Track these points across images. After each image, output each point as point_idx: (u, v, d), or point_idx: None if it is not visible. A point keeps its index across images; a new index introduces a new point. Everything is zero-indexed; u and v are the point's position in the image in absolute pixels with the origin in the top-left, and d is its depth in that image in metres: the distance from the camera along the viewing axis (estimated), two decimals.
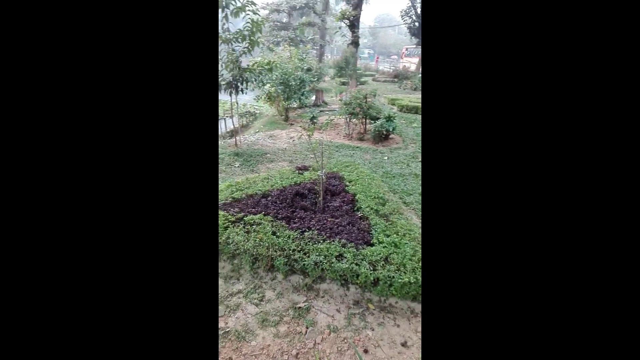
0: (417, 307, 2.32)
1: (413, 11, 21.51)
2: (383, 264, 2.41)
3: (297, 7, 18.52)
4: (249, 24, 4.83)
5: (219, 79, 5.03)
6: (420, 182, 4.70)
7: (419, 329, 2.18)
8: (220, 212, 2.94)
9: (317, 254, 2.48)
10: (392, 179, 4.77)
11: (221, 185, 3.62)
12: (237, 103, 5.66)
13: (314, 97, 10.86)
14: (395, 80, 19.08)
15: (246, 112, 9.95)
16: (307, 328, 2.13)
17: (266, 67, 5.37)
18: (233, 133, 6.38)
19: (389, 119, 6.70)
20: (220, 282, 2.48)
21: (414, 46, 25.02)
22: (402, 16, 22.25)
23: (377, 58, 31.81)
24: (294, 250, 2.52)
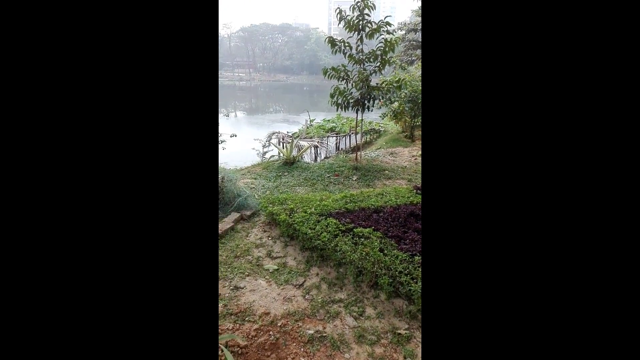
0: None
1: None
2: None
3: None
4: (382, 44, 4.97)
5: (348, 97, 5.34)
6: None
7: None
8: (333, 220, 3.06)
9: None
10: None
11: (337, 195, 3.79)
12: (362, 120, 5.86)
13: None
14: None
15: (371, 129, 10.18)
16: (405, 358, 1.95)
17: (395, 84, 5.38)
18: (354, 149, 6.64)
19: None
20: (324, 286, 2.57)
21: None
22: None
23: None
24: (400, 272, 2.38)
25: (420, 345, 2.03)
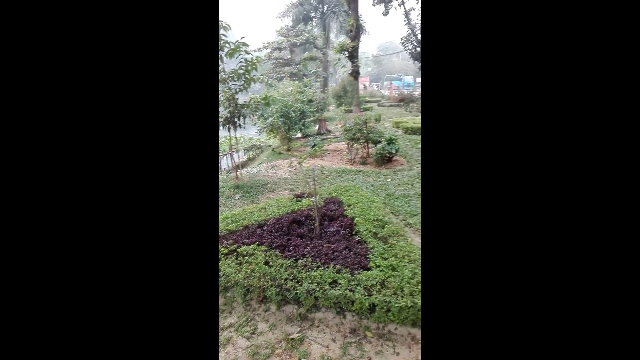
0: (418, 333, 2.17)
1: (413, 37, 22.19)
2: (379, 289, 2.30)
3: (298, 43, 19.49)
4: (242, 63, 5.09)
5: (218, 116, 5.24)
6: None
7: (420, 356, 2.03)
8: None
9: (310, 281, 2.40)
10: (395, 201, 4.68)
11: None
12: (235, 138, 5.83)
13: (317, 127, 11.09)
14: (401, 104, 19.34)
15: (252, 145, 10.21)
16: (299, 359, 2.01)
17: (262, 101, 5.57)
18: (235, 167, 6.57)
19: (390, 141, 6.71)
20: None
21: (397, 74, 25.68)
22: (402, 43, 22.97)
23: (391, 84, 32.67)
24: (286, 279, 2.46)
25: (313, 343, 2.14)
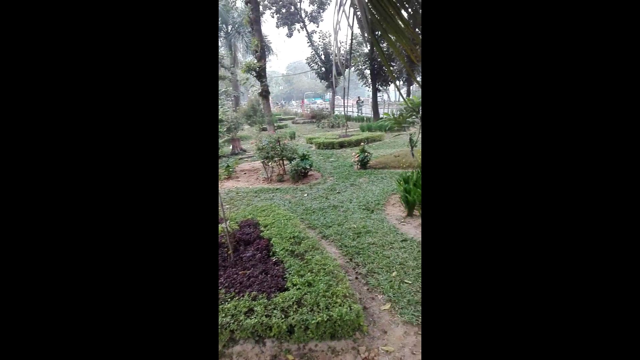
0: (337, 345, 2.21)
1: (317, 58, 23.54)
2: (296, 308, 2.29)
3: None
4: None
5: None
6: (343, 213, 4.80)
7: None
8: None
9: (223, 315, 2.25)
10: (311, 215, 4.78)
11: None
12: None
13: (231, 147, 10.77)
14: (314, 120, 20.20)
15: None
16: None
17: None
18: None
19: (304, 157, 6.90)
20: None
21: (312, 92, 27.27)
22: (308, 63, 24.17)
23: (303, 102, 33.69)
24: None
25: None
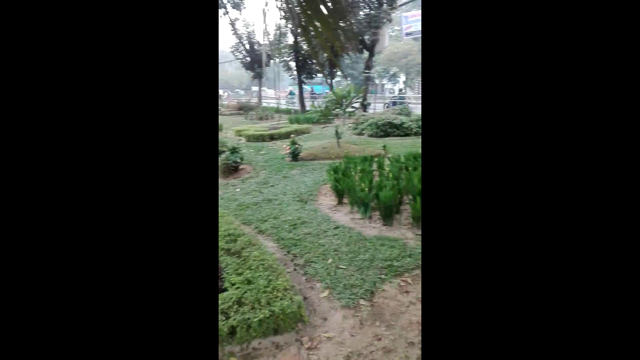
0: (281, 339, 2.23)
1: (242, 47, 22.61)
2: (236, 309, 2.22)
3: None
4: None
5: None
6: (277, 206, 4.77)
7: None
8: None
9: None
10: (245, 210, 4.66)
11: None
12: None
13: None
14: (241, 112, 19.47)
15: None
16: None
17: None
18: None
19: (234, 150, 6.64)
20: None
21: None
22: (232, 52, 23.07)
23: (229, 93, 31.98)
24: None
25: None
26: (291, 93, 25.47)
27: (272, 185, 5.79)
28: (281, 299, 2.30)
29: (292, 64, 20.20)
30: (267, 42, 20.45)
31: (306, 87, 22.72)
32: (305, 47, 17.32)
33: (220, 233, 3.32)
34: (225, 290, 2.45)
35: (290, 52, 19.43)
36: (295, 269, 3.16)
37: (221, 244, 3.11)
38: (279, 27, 20.07)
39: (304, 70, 19.22)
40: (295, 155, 7.48)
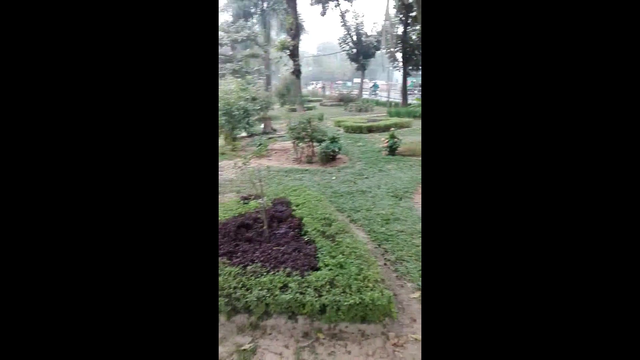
0: (367, 328, 2.26)
1: (349, 39, 22.89)
2: (328, 289, 2.34)
3: (239, 40, 18.87)
4: None
5: None
6: (371, 198, 4.79)
7: (370, 351, 2.12)
8: None
9: (260, 287, 2.35)
10: (339, 198, 4.81)
11: None
12: None
13: (262, 126, 10.88)
14: (341, 103, 19.90)
15: None
16: None
17: None
18: None
19: (333, 140, 6.87)
20: None
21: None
22: (339, 44, 23.57)
23: (332, 84, 33.22)
24: (234, 288, 2.37)
25: (266, 352, 2.10)
26: (375, 86, 24.70)
27: (366, 177, 5.81)
28: (371, 290, 2.32)
29: (399, 55, 19.52)
30: (375, 33, 20.20)
31: (411, 79, 21.69)
32: (414, 37, 16.49)
33: (317, 215, 3.52)
34: (319, 269, 2.61)
35: (398, 43, 18.79)
36: (385, 264, 3.14)
37: (317, 226, 3.29)
38: (389, 17, 19.57)
39: (411, 61, 18.37)
40: (392, 149, 7.31)
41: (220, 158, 8.08)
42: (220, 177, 6.17)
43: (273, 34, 25.03)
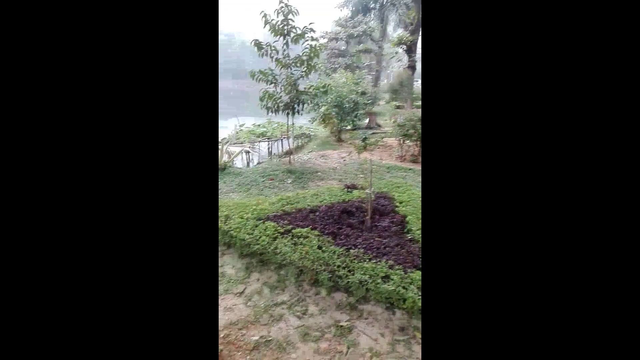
0: None
1: None
2: None
3: (355, 35, 19.23)
4: (307, 50, 5.13)
5: (278, 101, 5.37)
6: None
7: None
8: (271, 223, 3.04)
9: (362, 272, 2.41)
10: None
11: (273, 199, 3.77)
12: (293, 124, 5.96)
13: (367, 120, 10.95)
14: None
15: (301, 133, 10.36)
16: (348, 348, 2.05)
17: (322, 89, 5.61)
18: (288, 153, 6.75)
19: None
20: (266, 291, 2.53)
21: None
22: None
23: None
24: (338, 266, 2.49)
25: (362, 335, 2.16)
26: None
27: None
28: None
29: None
30: None
31: None
32: None
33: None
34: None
35: None
36: None
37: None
38: None
39: None
40: None
41: (324, 147, 8.50)
42: (324, 165, 6.49)
43: (390, 29, 24.66)
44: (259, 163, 7.53)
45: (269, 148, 8.81)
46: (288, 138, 7.06)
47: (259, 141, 9.06)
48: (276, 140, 9.19)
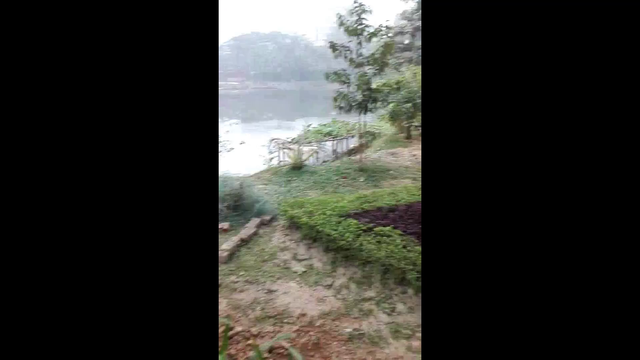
0: None
1: None
2: None
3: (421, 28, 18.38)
4: (381, 47, 5.10)
5: (349, 101, 5.44)
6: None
7: None
8: (352, 220, 3.12)
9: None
10: None
11: (351, 197, 3.85)
12: (365, 123, 5.97)
13: None
14: None
15: (366, 132, 10.31)
16: None
17: (394, 86, 5.52)
18: (351, 152, 6.78)
19: None
20: (353, 286, 2.62)
21: None
22: None
23: None
24: None
25: None
26: None
27: None
28: None
29: None
30: None
31: None
32: None
33: None
34: None
35: None
36: None
37: None
38: None
39: None
40: None
41: (393, 145, 8.34)
42: (395, 163, 6.39)
43: None
44: (324, 161, 7.72)
45: (333, 147, 8.97)
46: (359, 136, 7.09)
47: (326, 140, 9.26)
48: (342, 138, 9.30)
